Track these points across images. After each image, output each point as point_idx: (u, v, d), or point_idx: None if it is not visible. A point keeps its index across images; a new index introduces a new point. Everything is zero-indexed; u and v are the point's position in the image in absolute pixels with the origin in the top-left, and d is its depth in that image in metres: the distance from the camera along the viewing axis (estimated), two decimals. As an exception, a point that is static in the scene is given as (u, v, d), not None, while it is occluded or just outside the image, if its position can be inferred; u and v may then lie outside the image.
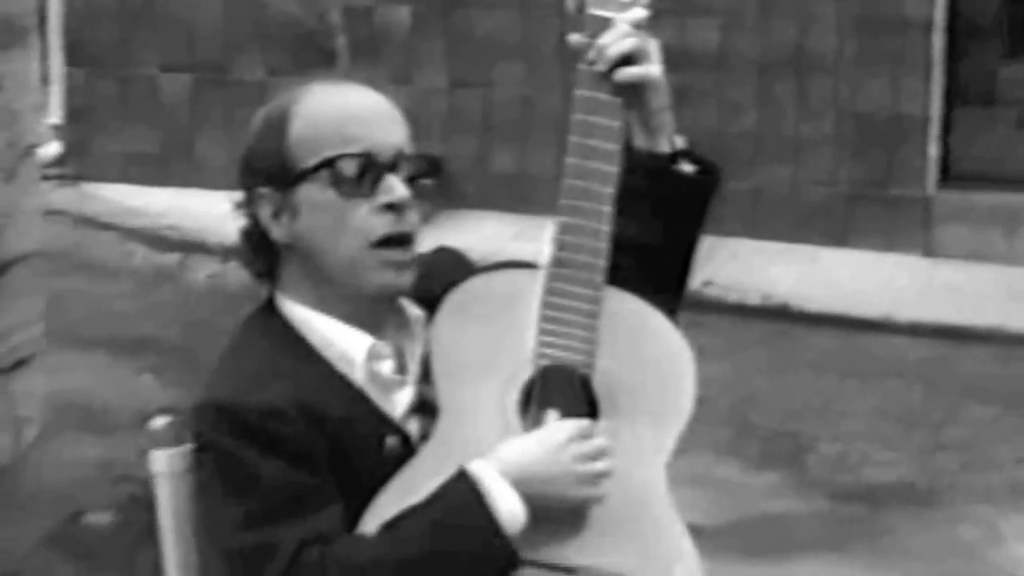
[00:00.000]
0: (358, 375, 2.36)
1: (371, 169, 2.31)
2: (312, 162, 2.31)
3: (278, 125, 2.32)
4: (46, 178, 6.38)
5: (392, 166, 2.32)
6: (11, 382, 4.86)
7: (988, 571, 4.68)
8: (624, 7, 2.34)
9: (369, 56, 6.94)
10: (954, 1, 6.84)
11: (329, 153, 2.29)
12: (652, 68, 2.31)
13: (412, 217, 2.31)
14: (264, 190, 2.31)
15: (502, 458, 2.27)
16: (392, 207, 2.30)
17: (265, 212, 2.33)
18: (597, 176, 2.35)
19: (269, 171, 2.33)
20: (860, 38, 6.80)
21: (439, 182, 2.16)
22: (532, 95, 6.77)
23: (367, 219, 2.30)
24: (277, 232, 2.33)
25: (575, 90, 2.33)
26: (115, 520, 4.48)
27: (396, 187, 2.30)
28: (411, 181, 2.32)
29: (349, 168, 2.31)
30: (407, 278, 2.32)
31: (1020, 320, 6.17)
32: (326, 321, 2.38)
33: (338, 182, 2.30)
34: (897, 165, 6.86)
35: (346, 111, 2.36)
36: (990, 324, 6.11)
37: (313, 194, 2.31)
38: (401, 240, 2.30)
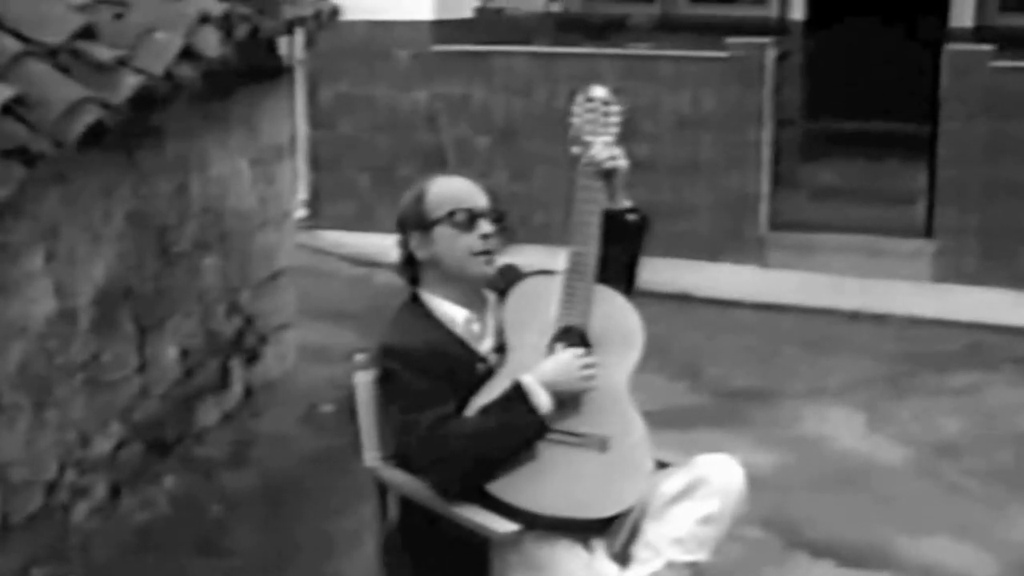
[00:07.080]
0: (460, 331, 2.79)
1: (472, 217, 2.82)
2: (440, 214, 2.82)
3: (420, 197, 2.87)
4: (298, 227, 7.38)
5: (483, 215, 2.84)
6: (280, 336, 5.76)
7: (794, 433, 5.50)
8: (601, 135, 2.86)
9: (466, 163, 8.56)
10: (777, 129, 8.47)
11: (450, 208, 2.82)
12: (621, 163, 2.86)
13: (493, 241, 2.84)
14: (414, 232, 2.84)
15: (538, 371, 2.68)
16: (484, 236, 2.82)
17: (414, 243, 2.83)
18: (590, 224, 2.75)
19: (416, 222, 2.84)
20: (727, 151, 8.39)
21: (506, 227, 2.84)
22: (553, 183, 8.08)
23: (471, 243, 2.82)
24: (421, 254, 2.83)
25: (577, 177, 2.84)
26: (335, 409, 5.29)
27: (485, 226, 2.83)
28: (492, 223, 2.87)
29: (461, 217, 2.82)
30: (491, 270, 2.85)
31: (811, 300, 7.64)
32: (444, 303, 2.84)
33: (456, 224, 2.82)
34: (747, 219, 8.41)
35: (456, 188, 2.89)
36: (794, 302, 7.64)
37: (442, 231, 2.82)
38: (488, 252, 2.84)
